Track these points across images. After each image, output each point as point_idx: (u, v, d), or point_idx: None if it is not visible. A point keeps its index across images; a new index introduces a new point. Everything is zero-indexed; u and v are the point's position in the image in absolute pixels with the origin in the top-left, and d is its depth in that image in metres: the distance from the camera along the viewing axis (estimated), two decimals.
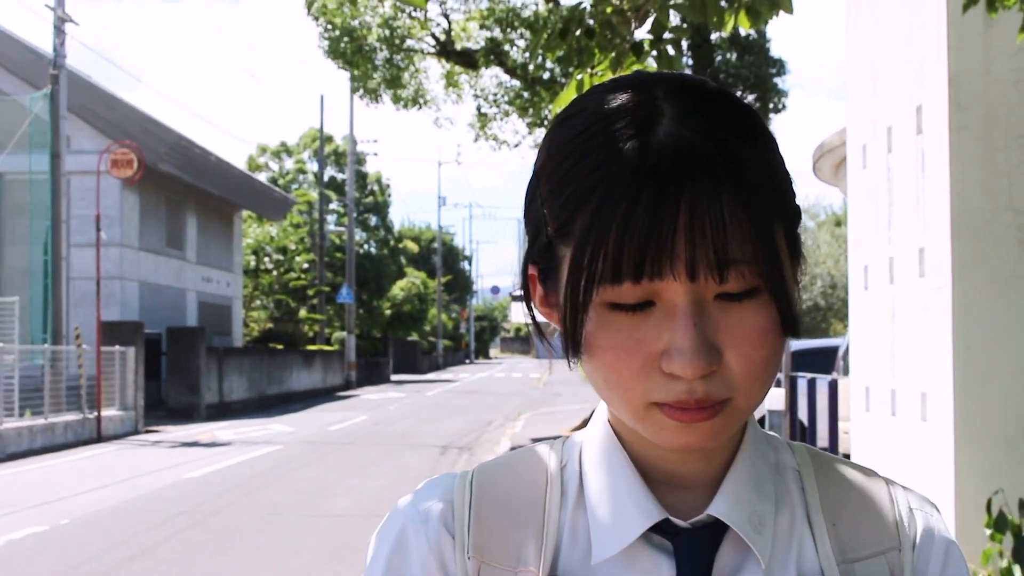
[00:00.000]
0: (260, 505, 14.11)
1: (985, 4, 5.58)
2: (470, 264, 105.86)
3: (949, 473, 7.21)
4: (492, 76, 25.79)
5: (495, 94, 25.70)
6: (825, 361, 16.15)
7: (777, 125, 26.91)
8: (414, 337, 73.66)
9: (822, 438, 11.47)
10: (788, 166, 1.09)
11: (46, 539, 11.83)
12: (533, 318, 1.15)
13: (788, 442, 1.25)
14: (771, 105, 24.59)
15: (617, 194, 0.98)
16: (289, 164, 66.21)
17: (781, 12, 5.30)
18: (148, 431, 27.71)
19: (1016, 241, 7.19)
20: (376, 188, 69.02)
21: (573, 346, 1.05)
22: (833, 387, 10.94)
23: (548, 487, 1.17)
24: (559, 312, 1.06)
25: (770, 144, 1.06)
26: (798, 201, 1.11)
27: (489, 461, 1.24)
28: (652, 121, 1.00)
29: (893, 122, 8.46)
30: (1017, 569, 5.70)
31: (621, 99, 1.04)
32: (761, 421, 14.76)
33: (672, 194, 0.97)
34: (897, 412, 8.38)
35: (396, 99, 26.14)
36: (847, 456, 10.14)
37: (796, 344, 18.68)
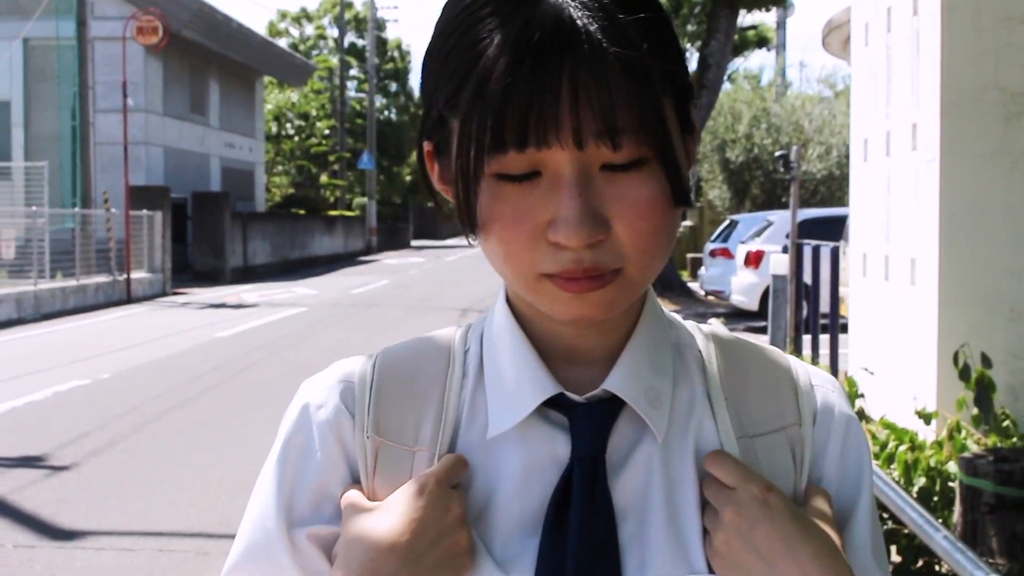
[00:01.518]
0: (288, 362, 14.81)
1: None
2: None
3: (933, 333, 7.79)
4: None
5: None
6: (836, 229, 16.62)
7: None
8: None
9: (824, 301, 12.05)
10: (679, 43, 1.09)
11: (89, 391, 12.57)
12: (432, 193, 1.16)
13: (692, 323, 1.27)
14: None
15: (500, 64, 0.98)
16: (309, 30, 66.19)
17: None
18: (175, 293, 28.48)
19: (1001, 117, 7.68)
20: (397, 54, 68.95)
21: (469, 220, 1.06)
22: (835, 254, 11.47)
23: (450, 368, 1.19)
24: (453, 188, 1.07)
25: (659, 18, 1.06)
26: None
27: (394, 344, 1.25)
28: None
29: (892, 2, 8.89)
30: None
31: None
32: (766, 289, 15.30)
33: (554, 62, 0.98)
34: (890, 277, 8.94)
35: None
36: (844, 319, 10.76)
37: (806, 213, 19.19)
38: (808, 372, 1.22)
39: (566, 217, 1.00)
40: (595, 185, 1.01)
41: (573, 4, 0.99)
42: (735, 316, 19.32)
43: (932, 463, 5.91)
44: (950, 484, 5.69)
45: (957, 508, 5.36)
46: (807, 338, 12.71)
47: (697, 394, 1.17)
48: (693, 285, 26.36)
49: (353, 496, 1.13)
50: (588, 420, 1.12)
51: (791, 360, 1.24)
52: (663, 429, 1.12)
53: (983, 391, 6.03)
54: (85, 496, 8.10)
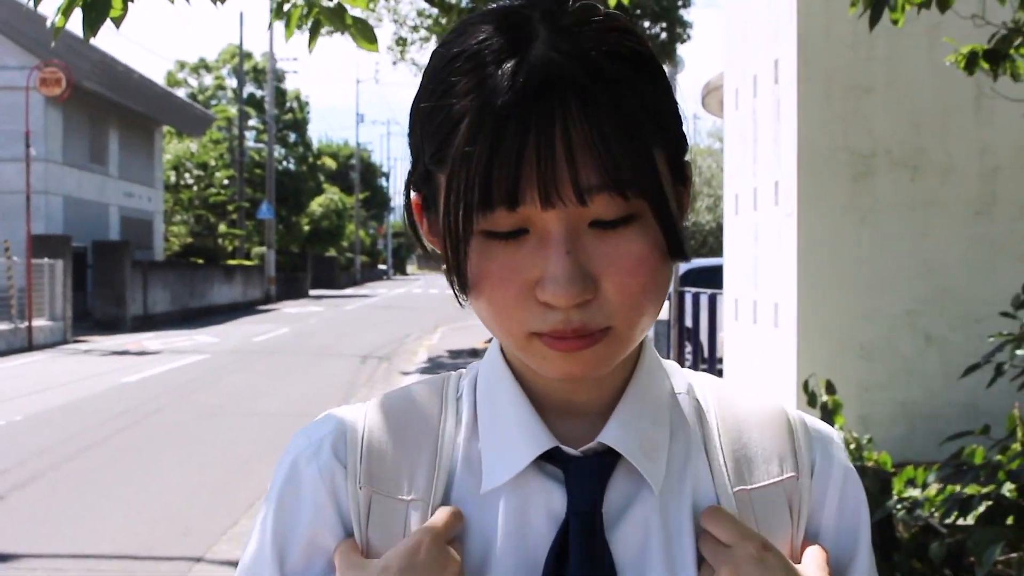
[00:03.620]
0: (197, 405, 15.36)
1: None
2: (388, 181, 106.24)
3: (793, 369, 8.67)
4: (409, 2, 26.76)
5: (414, 20, 26.67)
6: (721, 277, 17.56)
7: (684, 52, 28.02)
8: (332, 253, 74.53)
9: (704, 344, 12.96)
10: (675, 95, 1.07)
11: (4, 432, 13.03)
12: (422, 246, 1.15)
13: (689, 371, 1.25)
14: (677, 34, 25.72)
15: (487, 119, 0.97)
16: (208, 80, 66.42)
17: None
18: (77, 340, 28.65)
19: (850, 176, 8.63)
20: (295, 105, 69.44)
21: (459, 280, 1.05)
22: (713, 300, 12.40)
23: (443, 417, 1.18)
24: (441, 243, 1.06)
25: (651, 69, 1.04)
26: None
27: (387, 392, 1.24)
28: (525, 44, 0.99)
29: (757, 71, 9.83)
30: None
31: (497, 23, 1.02)
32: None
33: (542, 118, 0.95)
34: (757, 320, 9.83)
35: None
36: (720, 360, 11.63)
37: (695, 263, 20.19)
38: (806, 423, 1.22)
39: (554, 276, 0.99)
40: (584, 242, 1.00)
41: (562, 56, 0.97)
42: None
43: None
44: None
45: None
46: None
47: (694, 445, 1.16)
48: None
49: (346, 550, 1.13)
50: (584, 474, 1.11)
51: (789, 410, 1.23)
52: (659, 481, 1.12)
53: (826, 415, 6.88)
54: (13, 524, 8.66)
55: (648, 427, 1.13)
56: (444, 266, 1.07)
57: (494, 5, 1.07)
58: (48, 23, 3.40)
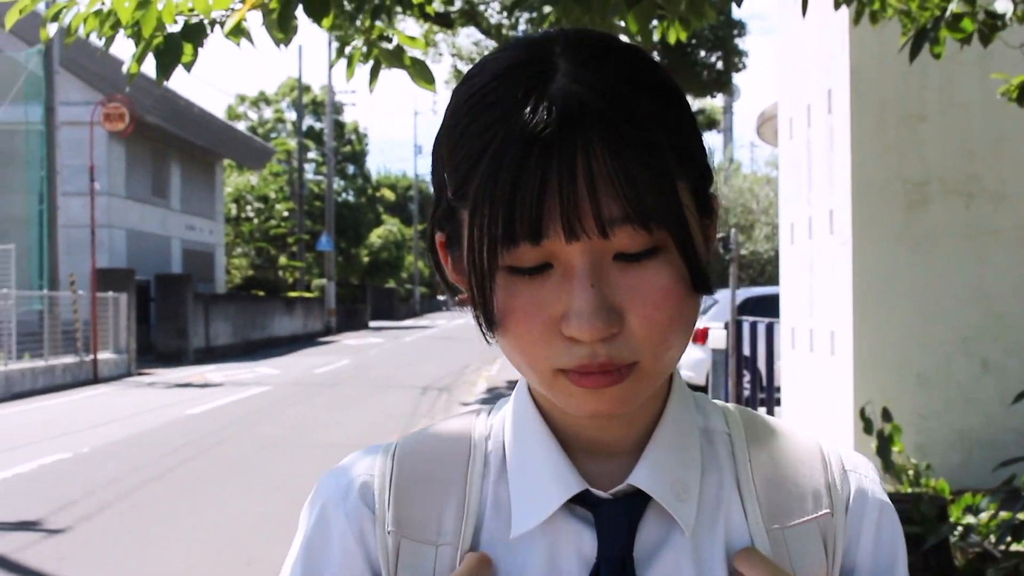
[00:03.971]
0: (259, 436, 15.56)
1: (869, 17, 6.96)
2: None
3: (849, 397, 8.70)
4: (467, 35, 27.04)
5: (471, 53, 26.93)
6: (777, 306, 17.57)
7: (739, 80, 28.08)
8: (391, 284, 74.90)
9: (762, 373, 13.00)
10: (697, 125, 1.06)
11: (72, 464, 13.27)
12: (448, 285, 1.13)
13: (722, 404, 1.23)
14: (732, 63, 25.82)
15: (509, 153, 0.96)
16: (268, 113, 67.19)
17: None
18: (141, 373, 29.02)
19: (904, 205, 8.67)
20: (354, 137, 70.00)
21: (487, 318, 1.04)
22: (770, 328, 12.42)
23: (471, 458, 1.16)
24: (467, 281, 1.05)
25: (673, 100, 1.03)
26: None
27: (414, 432, 1.22)
28: (546, 77, 0.98)
29: (812, 101, 9.90)
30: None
31: (518, 57, 1.02)
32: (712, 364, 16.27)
33: (564, 151, 0.95)
34: (814, 348, 9.87)
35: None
36: (778, 389, 11.64)
37: (752, 291, 20.23)
38: (841, 456, 1.19)
39: (579, 310, 0.97)
40: (608, 276, 0.99)
41: (583, 88, 0.97)
42: None
43: None
44: None
45: None
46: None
47: (726, 482, 1.14)
48: None
49: None
50: (614, 517, 1.09)
51: (824, 443, 1.20)
52: (691, 523, 1.10)
53: (884, 443, 6.92)
54: (83, 555, 8.84)
55: (679, 467, 1.11)
56: (470, 304, 1.06)
57: (518, 39, 1.07)
58: (124, 69, 3.55)
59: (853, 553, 1.15)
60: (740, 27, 25.71)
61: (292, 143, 60.23)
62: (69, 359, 26.01)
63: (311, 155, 64.61)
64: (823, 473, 1.16)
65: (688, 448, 1.13)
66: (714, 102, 45.79)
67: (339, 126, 66.81)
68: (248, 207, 53.23)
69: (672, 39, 5.69)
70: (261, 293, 45.72)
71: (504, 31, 24.33)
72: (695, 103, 43.20)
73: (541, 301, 0.99)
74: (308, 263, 57.64)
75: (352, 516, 1.14)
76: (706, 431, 1.17)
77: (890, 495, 4.80)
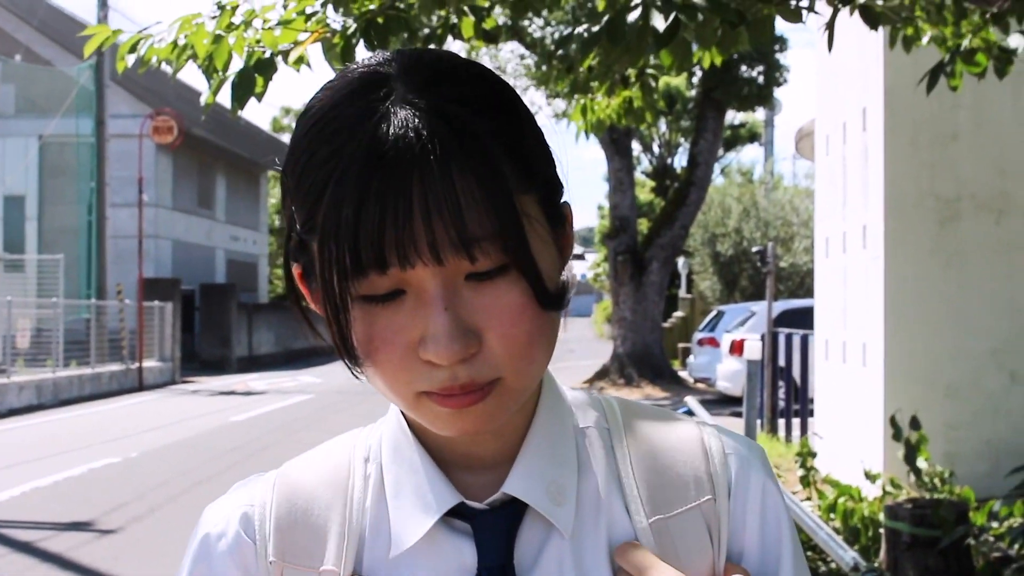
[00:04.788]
0: (304, 443, 15.75)
1: (902, 42, 7.14)
2: None
3: (880, 407, 8.91)
4: (511, 50, 27.35)
5: (514, 67, 27.24)
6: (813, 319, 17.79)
7: (781, 95, 28.24)
8: None
9: (797, 383, 13.25)
10: (543, 136, 1.07)
11: (122, 468, 13.62)
12: (306, 318, 1.13)
13: (600, 398, 1.23)
14: (773, 77, 25.96)
15: (348, 183, 0.95)
16: None
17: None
18: (185, 381, 29.46)
19: (936, 221, 8.89)
20: None
21: (346, 349, 1.04)
22: (804, 340, 12.65)
23: (350, 481, 1.16)
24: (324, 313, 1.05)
25: (512, 115, 1.03)
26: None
27: (293, 459, 1.23)
28: (380, 104, 0.98)
29: (847, 119, 10.12)
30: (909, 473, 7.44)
31: (354, 84, 1.02)
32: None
33: (401, 176, 0.94)
34: (847, 359, 10.08)
35: None
36: (812, 400, 11.84)
37: (789, 303, 20.44)
38: (721, 440, 1.17)
39: (435, 334, 0.98)
40: (462, 297, 0.99)
41: (420, 113, 0.97)
42: (721, 402, 20.50)
43: (866, 512, 7.02)
44: (880, 530, 6.80)
45: (883, 547, 6.45)
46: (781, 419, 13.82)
47: (606, 479, 1.13)
48: (683, 373, 27.38)
49: None
50: (492, 527, 1.10)
51: (704, 429, 1.19)
52: (569, 525, 1.10)
53: (910, 450, 7.14)
54: (136, 554, 9.15)
55: (553, 470, 1.11)
56: (331, 337, 1.06)
57: (356, 64, 1.07)
58: (201, 100, 3.84)
59: (740, 537, 1.14)
60: (782, 42, 25.89)
61: None
62: (115, 367, 26.48)
63: None
64: (704, 460, 1.15)
65: (562, 451, 1.13)
66: (756, 116, 45.91)
67: None
68: None
69: (707, 63, 5.85)
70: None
71: (547, 44, 24.60)
72: (737, 116, 43.38)
73: (398, 327, 1.00)
74: None
75: (233, 548, 1.16)
76: (582, 429, 1.17)
77: (912, 501, 5.00)
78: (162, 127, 29.14)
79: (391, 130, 0.96)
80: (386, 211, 0.94)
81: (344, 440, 1.22)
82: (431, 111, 0.97)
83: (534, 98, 27.60)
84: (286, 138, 61.11)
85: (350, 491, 1.15)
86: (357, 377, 1.06)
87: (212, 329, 34.99)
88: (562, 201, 1.09)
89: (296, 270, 1.08)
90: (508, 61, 27.79)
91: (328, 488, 1.16)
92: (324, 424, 18.33)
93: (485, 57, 27.80)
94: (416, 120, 0.96)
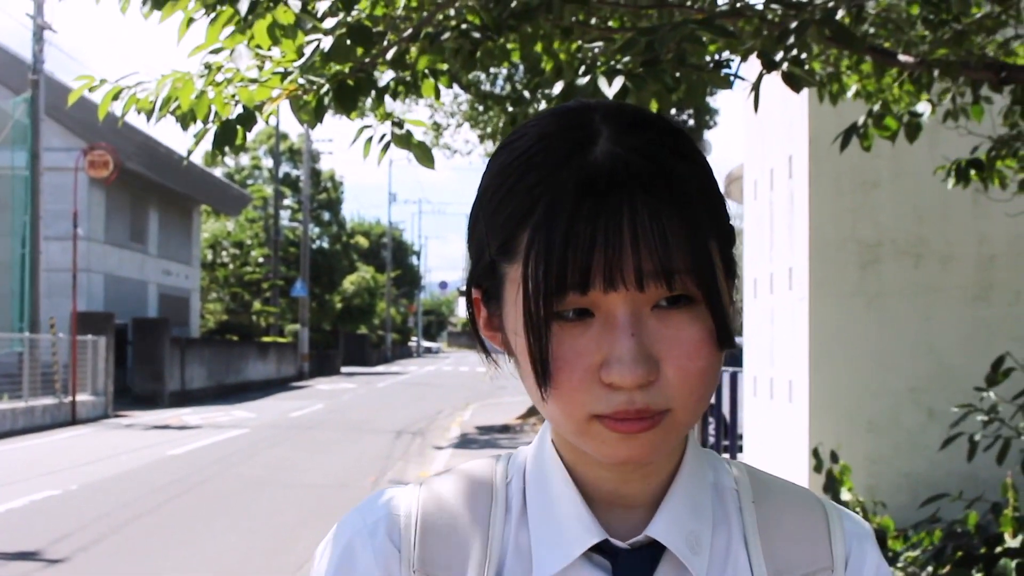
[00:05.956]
0: (241, 477, 16.06)
1: (829, 98, 7.44)
2: (419, 259, 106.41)
3: (805, 441, 9.32)
4: (447, 91, 27.60)
5: (450, 106, 27.54)
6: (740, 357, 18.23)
7: (710, 137, 28.66)
8: (363, 330, 75.13)
9: (727, 419, 13.64)
10: (719, 188, 1.10)
11: (63, 500, 13.77)
12: (480, 341, 1.16)
13: (727, 460, 1.26)
14: (704, 121, 26.48)
15: (559, 208, 1.00)
16: (245, 160, 67.47)
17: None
18: (118, 415, 29.32)
19: (858, 265, 9.35)
20: (330, 185, 70.37)
21: (543, 368, 1.05)
22: (734, 377, 13.06)
23: (493, 502, 1.19)
24: (506, 335, 1.10)
25: (703, 164, 1.08)
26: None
27: (435, 475, 1.25)
28: (590, 141, 1.03)
29: (774, 166, 10.58)
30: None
31: (560, 123, 1.07)
32: None
33: (612, 206, 0.99)
34: (774, 396, 10.50)
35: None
36: (741, 435, 12.24)
37: None
38: (841, 516, 1.22)
39: (620, 357, 1.00)
40: (646, 326, 1.02)
41: (625, 151, 1.02)
42: None
43: None
44: None
45: None
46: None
47: (734, 536, 1.17)
48: None
49: None
50: (631, 567, 1.13)
51: (825, 502, 1.24)
52: (703, 574, 1.13)
53: (831, 481, 7.53)
54: None
55: (693, 520, 1.14)
56: (514, 357, 1.10)
57: (555, 107, 1.13)
58: (186, 152, 4.16)
59: None
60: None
61: (268, 190, 60.69)
62: (48, 400, 26.37)
63: (287, 202, 64.94)
64: (825, 531, 1.19)
65: (701, 503, 1.16)
66: None
67: (315, 174, 67.14)
68: (224, 252, 53.55)
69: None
70: (235, 338, 46.03)
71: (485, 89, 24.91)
72: None
73: (581, 348, 1.02)
74: (282, 308, 57.94)
75: (379, 553, 1.17)
76: (716, 486, 1.20)
77: None
78: (98, 161, 29.15)
79: (600, 163, 1.02)
80: (596, 234, 0.99)
81: (485, 463, 1.25)
82: (638, 151, 1.03)
83: (468, 136, 27.88)
84: (219, 173, 61.14)
85: (493, 511, 1.18)
86: (544, 400, 1.07)
87: (145, 363, 34.85)
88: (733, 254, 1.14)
89: (476, 294, 1.14)
90: (444, 102, 28.10)
91: (471, 507, 1.18)
92: (260, 458, 18.51)
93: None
94: (626, 158, 1.02)
